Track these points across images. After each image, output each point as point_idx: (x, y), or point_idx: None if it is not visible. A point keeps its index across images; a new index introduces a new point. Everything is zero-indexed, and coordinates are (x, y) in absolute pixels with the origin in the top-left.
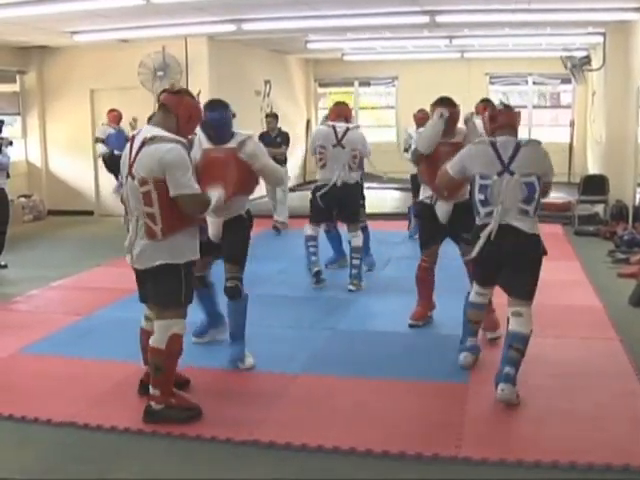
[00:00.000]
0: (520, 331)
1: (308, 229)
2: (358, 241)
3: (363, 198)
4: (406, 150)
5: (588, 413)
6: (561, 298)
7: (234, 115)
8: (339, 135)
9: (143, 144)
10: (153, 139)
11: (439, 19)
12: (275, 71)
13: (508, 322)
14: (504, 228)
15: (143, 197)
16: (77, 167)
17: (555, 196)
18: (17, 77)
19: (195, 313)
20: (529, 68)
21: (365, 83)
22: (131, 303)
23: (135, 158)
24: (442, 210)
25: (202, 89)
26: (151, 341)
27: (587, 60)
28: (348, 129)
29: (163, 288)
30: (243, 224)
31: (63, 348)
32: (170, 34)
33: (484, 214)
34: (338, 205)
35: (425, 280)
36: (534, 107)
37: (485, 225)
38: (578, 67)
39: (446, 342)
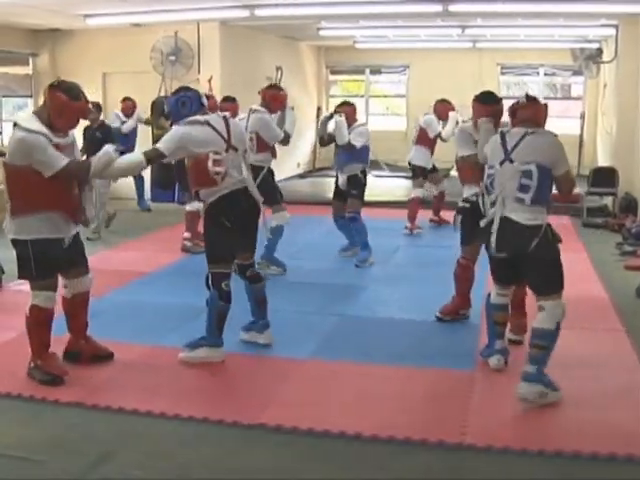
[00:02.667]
0: (538, 327)
1: None
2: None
3: (360, 188)
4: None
5: (593, 403)
6: (568, 289)
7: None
8: None
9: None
10: (15, 125)
11: (452, 8)
12: (286, 58)
13: None
14: (503, 221)
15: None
16: None
17: None
18: (30, 60)
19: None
20: (540, 59)
21: (376, 71)
22: (140, 286)
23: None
24: None
25: (214, 74)
26: None
27: (599, 52)
28: None
29: (18, 261)
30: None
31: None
32: (183, 19)
33: (489, 204)
34: None
35: (462, 277)
36: (544, 98)
37: (492, 221)
38: (590, 59)
39: (454, 330)
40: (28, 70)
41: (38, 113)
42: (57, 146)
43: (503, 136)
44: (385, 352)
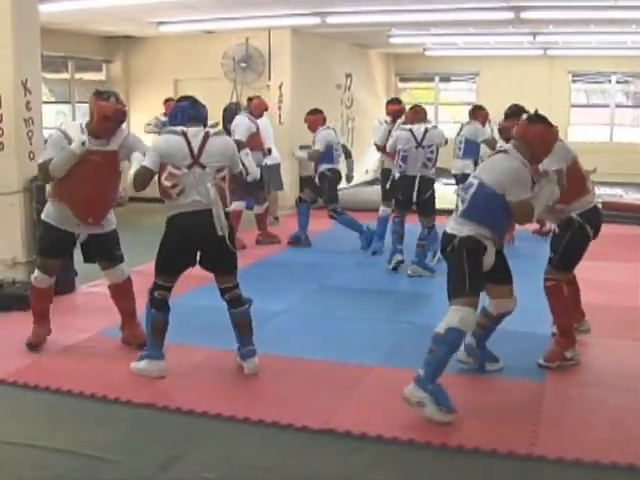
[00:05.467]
0: (435, 330)
1: None
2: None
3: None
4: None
5: None
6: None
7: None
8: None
9: None
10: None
11: (524, 15)
12: (356, 65)
13: None
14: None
15: None
16: None
17: (633, 197)
18: (103, 66)
19: None
20: (613, 67)
21: (445, 79)
22: (208, 291)
23: None
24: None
25: (284, 81)
26: None
27: None
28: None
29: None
30: None
31: None
32: (254, 26)
33: None
34: None
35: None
36: (616, 106)
37: None
38: None
39: (523, 340)
40: (102, 76)
41: (86, 123)
42: (90, 151)
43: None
44: (453, 361)
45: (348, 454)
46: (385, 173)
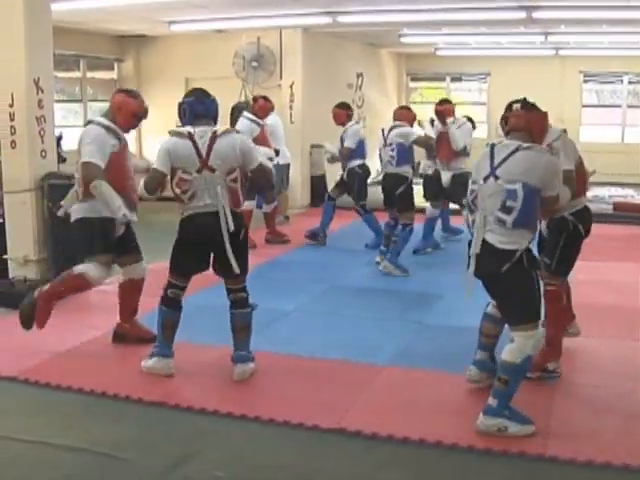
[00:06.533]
0: (506, 359)
1: None
2: None
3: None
4: None
5: None
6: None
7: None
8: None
9: None
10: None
11: (536, 15)
12: (367, 64)
13: None
14: (483, 242)
15: None
16: None
17: None
18: (115, 65)
19: None
20: (625, 67)
21: (457, 78)
22: (220, 290)
23: None
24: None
25: (295, 80)
26: None
27: None
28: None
29: None
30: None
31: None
32: (265, 25)
33: (471, 222)
34: None
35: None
36: (628, 107)
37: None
38: None
39: None
40: (113, 75)
41: (109, 119)
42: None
43: (492, 149)
44: (463, 361)
45: (359, 453)
46: (435, 174)
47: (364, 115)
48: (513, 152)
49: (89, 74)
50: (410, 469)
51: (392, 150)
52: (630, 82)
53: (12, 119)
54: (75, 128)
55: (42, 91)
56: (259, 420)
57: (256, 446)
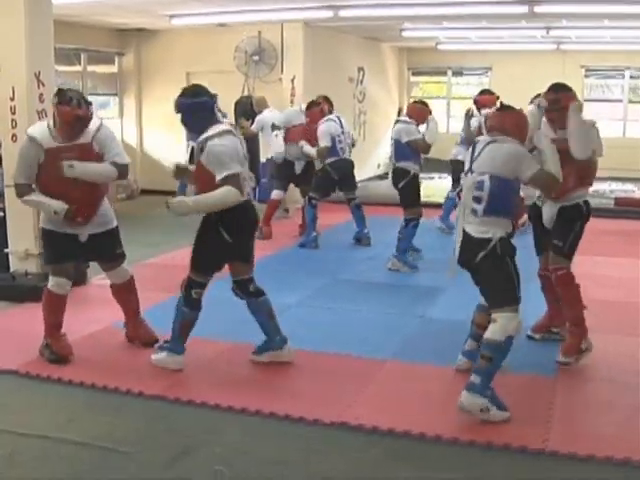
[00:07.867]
0: (489, 337)
1: None
2: None
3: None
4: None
5: None
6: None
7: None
8: None
9: None
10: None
11: (538, 9)
12: (369, 58)
13: None
14: (464, 232)
15: None
16: (171, 148)
17: None
18: (115, 58)
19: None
20: (626, 61)
21: (458, 73)
22: (221, 283)
23: None
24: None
25: (296, 75)
26: None
27: None
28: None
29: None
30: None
31: (154, 324)
32: (267, 19)
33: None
34: None
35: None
36: (629, 102)
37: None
38: None
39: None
40: (114, 69)
41: (53, 123)
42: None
43: (474, 145)
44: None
45: (361, 447)
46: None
47: (365, 109)
48: (484, 147)
49: (90, 68)
50: (411, 463)
51: (391, 145)
52: (631, 77)
53: (13, 112)
54: None
55: (43, 85)
56: (260, 414)
57: (258, 440)
